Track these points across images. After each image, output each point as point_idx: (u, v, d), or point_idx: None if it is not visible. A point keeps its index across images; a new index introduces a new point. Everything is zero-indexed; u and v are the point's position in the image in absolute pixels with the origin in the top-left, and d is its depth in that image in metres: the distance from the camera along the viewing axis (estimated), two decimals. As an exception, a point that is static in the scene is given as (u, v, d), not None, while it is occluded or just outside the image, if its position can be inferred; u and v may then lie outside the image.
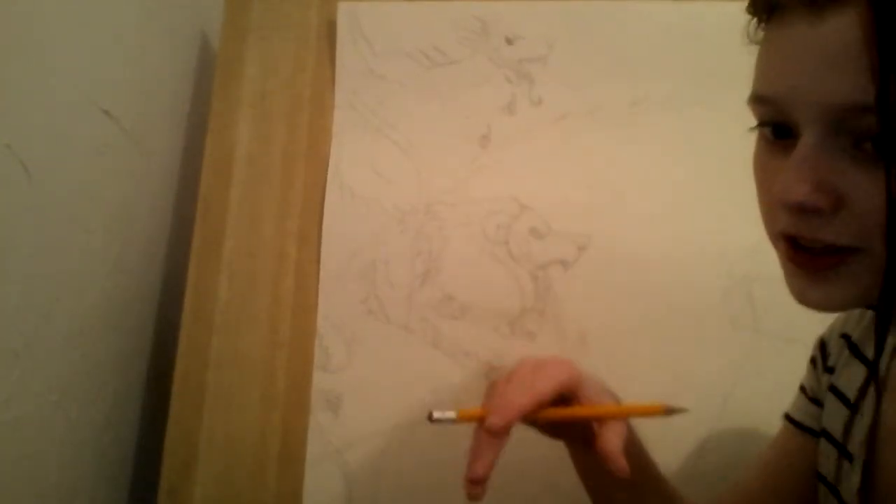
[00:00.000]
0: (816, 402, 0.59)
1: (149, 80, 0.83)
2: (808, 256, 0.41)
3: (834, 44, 0.37)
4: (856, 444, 0.51)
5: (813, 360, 0.61)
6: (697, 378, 0.75)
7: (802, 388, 0.62)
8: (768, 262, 0.78)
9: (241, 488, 0.75)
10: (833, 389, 0.55)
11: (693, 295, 0.78)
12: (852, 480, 0.50)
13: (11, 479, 0.61)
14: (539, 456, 0.73)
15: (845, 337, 0.57)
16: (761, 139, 0.44)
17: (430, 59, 0.87)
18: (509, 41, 0.87)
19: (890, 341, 0.51)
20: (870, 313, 0.54)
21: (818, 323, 0.60)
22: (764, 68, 0.42)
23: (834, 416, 0.54)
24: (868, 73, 0.35)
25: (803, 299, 0.43)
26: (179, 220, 0.90)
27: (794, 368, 0.63)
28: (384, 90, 0.86)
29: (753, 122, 0.45)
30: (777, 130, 0.42)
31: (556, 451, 0.65)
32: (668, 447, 0.73)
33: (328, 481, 0.74)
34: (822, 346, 0.60)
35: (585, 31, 0.87)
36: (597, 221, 0.81)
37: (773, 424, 0.64)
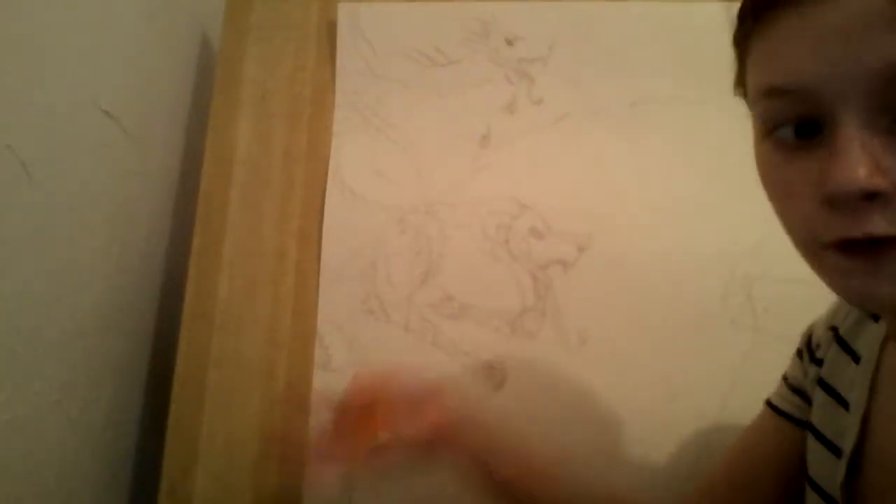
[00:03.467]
0: (800, 392, 0.58)
1: (149, 80, 0.83)
2: (866, 250, 0.36)
3: (861, 9, 0.35)
4: (844, 438, 0.50)
5: (799, 353, 0.60)
6: (697, 378, 0.75)
7: (785, 378, 0.61)
8: (768, 262, 0.79)
9: (241, 488, 0.75)
10: (822, 384, 0.54)
11: (693, 295, 0.77)
12: (837, 474, 0.49)
13: (11, 479, 0.61)
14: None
15: (833, 329, 0.55)
16: (773, 148, 0.40)
17: (430, 59, 0.87)
18: (509, 42, 0.87)
19: (876, 333, 0.50)
20: None
21: (818, 323, 0.59)
22: (777, 59, 0.38)
23: (823, 412, 0.54)
24: None
25: (870, 299, 0.39)
26: (179, 220, 0.90)
27: (794, 368, 0.63)
28: (384, 90, 0.86)
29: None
30: (799, 129, 0.38)
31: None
32: (668, 447, 0.73)
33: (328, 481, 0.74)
34: (809, 338, 0.59)
35: (585, 31, 0.87)
36: (597, 221, 0.81)
37: (773, 424, 0.64)
